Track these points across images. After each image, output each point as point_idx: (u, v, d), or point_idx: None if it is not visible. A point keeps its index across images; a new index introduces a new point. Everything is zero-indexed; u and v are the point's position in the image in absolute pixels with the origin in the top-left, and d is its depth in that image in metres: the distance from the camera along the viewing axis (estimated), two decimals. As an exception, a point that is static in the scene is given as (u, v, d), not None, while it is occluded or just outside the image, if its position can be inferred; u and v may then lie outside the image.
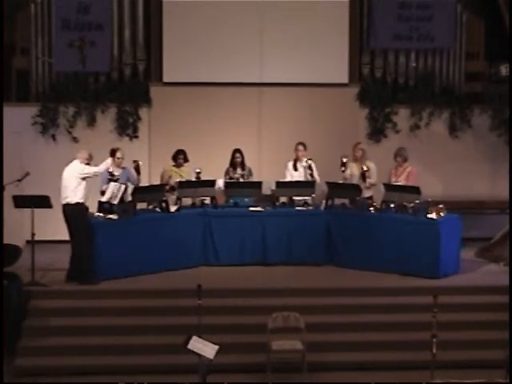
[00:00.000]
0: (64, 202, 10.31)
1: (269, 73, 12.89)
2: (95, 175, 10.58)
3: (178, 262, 10.87)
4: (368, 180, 11.26)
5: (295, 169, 11.61)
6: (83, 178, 10.37)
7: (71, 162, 10.50)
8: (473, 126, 13.29)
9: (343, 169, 11.31)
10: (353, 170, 11.46)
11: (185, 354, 7.81)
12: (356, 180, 11.34)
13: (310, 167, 11.39)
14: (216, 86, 12.88)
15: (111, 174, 10.59)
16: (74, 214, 10.22)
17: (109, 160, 10.68)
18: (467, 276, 10.75)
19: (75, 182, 10.30)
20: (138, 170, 10.97)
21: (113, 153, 10.80)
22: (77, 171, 10.35)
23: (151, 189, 11.23)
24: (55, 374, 8.62)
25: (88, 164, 10.47)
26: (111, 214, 10.42)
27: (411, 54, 13.44)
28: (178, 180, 11.23)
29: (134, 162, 11.01)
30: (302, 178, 11.46)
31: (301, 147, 11.59)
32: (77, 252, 10.22)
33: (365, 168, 11.25)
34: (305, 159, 11.46)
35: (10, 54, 12.88)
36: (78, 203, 10.28)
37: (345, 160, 11.29)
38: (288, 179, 11.54)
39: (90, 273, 10.11)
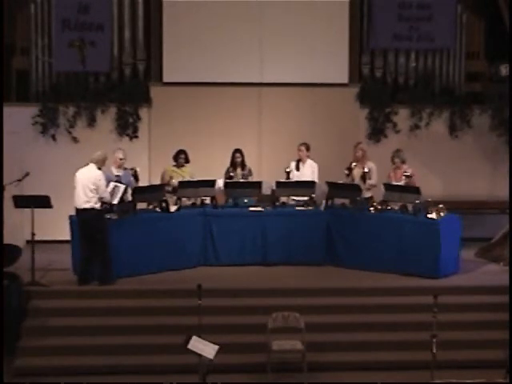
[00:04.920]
0: (86, 207, 9.93)
1: (269, 73, 12.88)
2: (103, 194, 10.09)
3: (178, 262, 10.86)
4: (368, 181, 11.26)
5: (297, 169, 11.62)
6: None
7: (87, 164, 10.08)
8: (473, 126, 13.29)
9: (347, 172, 11.31)
10: (353, 171, 11.46)
11: (185, 354, 7.81)
12: (357, 181, 11.34)
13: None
14: (216, 85, 12.87)
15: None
16: (99, 218, 10.04)
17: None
18: (467, 276, 10.75)
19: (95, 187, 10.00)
20: (136, 176, 10.93)
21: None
22: (98, 185, 9.92)
23: (151, 189, 11.22)
24: (55, 373, 8.62)
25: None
26: (111, 213, 10.41)
27: (411, 54, 13.45)
28: (179, 180, 11.22)
29: (132, 169, 10.93)
30: (303, 178, 11.46)
31: (303, 148, 11.60)
32: (100, 255, 10.05)
33: (366, 170, 11.25)
34: None
35: (9, 53, 12.89)
36: (98, 208, 10.05)
37: (353, 165, 11.29)
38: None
39: (112, 274, 10.12)
